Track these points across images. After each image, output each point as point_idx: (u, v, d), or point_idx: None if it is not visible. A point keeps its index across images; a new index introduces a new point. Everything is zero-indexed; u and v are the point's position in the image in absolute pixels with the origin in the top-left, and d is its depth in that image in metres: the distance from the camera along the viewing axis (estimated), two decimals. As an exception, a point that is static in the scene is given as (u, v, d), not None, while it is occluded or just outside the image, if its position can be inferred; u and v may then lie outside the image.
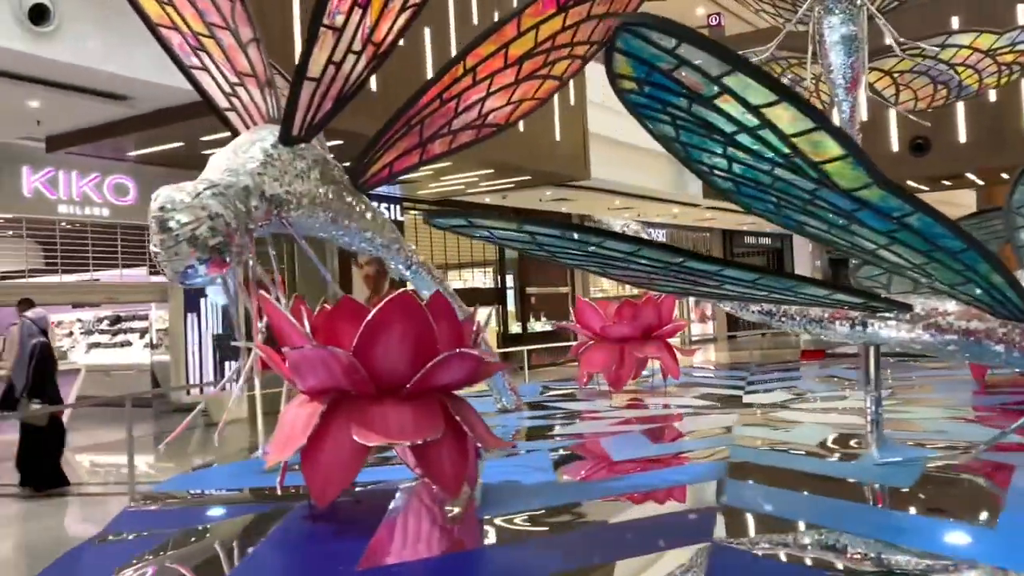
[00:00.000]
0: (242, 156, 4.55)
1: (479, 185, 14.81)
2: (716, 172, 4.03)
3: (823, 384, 8.04)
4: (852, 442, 5.13)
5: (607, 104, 15.49)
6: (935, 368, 8.44)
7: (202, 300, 12.82)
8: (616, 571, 3.09)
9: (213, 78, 5.08)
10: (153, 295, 12.91)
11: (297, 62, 4.72)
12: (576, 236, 4.17)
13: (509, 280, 19.61)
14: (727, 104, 3.45)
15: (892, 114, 15.96)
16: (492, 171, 13.57)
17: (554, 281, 20.21)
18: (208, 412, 12.44)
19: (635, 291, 24.00)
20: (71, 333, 16.69)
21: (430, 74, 10.82)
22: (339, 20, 4.57)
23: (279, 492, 4.03)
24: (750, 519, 3.64)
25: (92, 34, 8.07)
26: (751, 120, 3.53)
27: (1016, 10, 14.33)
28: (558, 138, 13.87)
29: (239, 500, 4.59)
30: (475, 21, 12.23)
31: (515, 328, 19.45)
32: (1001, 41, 8.42)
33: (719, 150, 3.85)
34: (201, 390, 12.61)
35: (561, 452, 5.31)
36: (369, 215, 5.61)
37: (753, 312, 6.40)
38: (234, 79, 5.13)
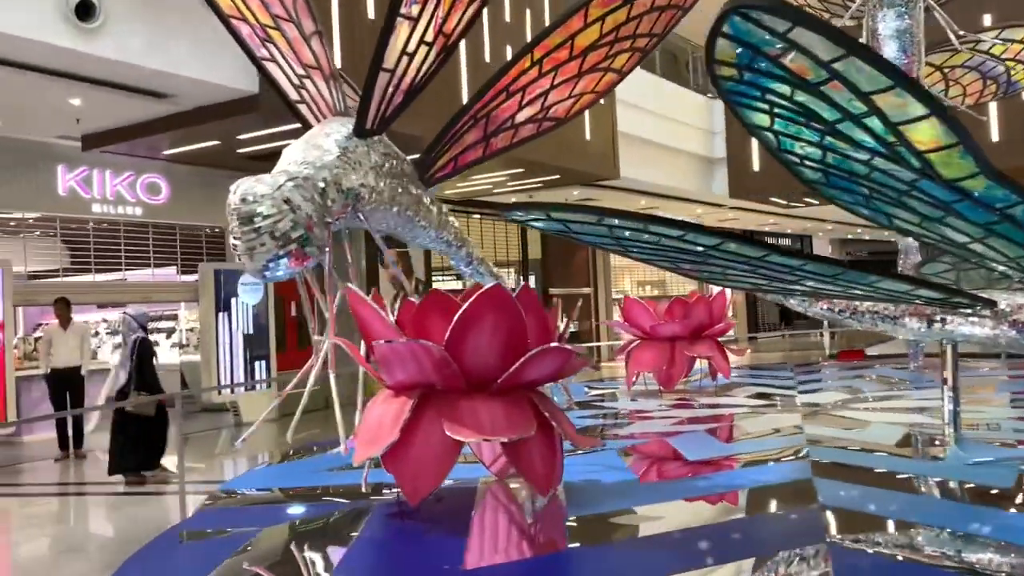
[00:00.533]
0: (318, 149, 4.47)
1: (507, 184, 14.73)
2: (807, 162, 3.93)
3: (874, 384, 7.93)
4: (932, 441, 5.03)
5: (636, 103, 15.44)
6: (993, 368, 8.33)
7: (233, 300, 12.77)
8: (731, 572, 3.00)
9: (282, 70, 5.01)
10: (184, 295, 12.86)
11: (373, 52, 4.64)
12: (657, 229, 4.07)
13: (532, 281, 19.53)
14: (835, 91, 3.35)
15: None
16: (522, 170, 13.50)
17: (577, 282, 20.12)
18: (239, 411, 12.39)
19: (656, 291, 23.87)
20: (97, 333, 16.67)
21: (464, 72, 10.77)
22: (415, 9, 4.49)
23: (364, 489, 3.95)
24: (856, 519, 3.53)
25: (136, 31, 8.01)
26: (858, 107, 3.42)
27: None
28: (588, 137, 13.80)
29: (314, 497, 4.49)
30: (507, 18, 12.15)
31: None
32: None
33: (815, 139, 3.75)
34: (232, 390, 12.56)
35: (631, 451, 5.22)
36: (435, 210, 5.53)
37: (822, 309, 6.30)
38: (301, 71, 5.06)
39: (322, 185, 4.27)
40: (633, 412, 6.99)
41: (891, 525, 3.45)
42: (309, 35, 5.22)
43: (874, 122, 3.39)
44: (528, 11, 12.62)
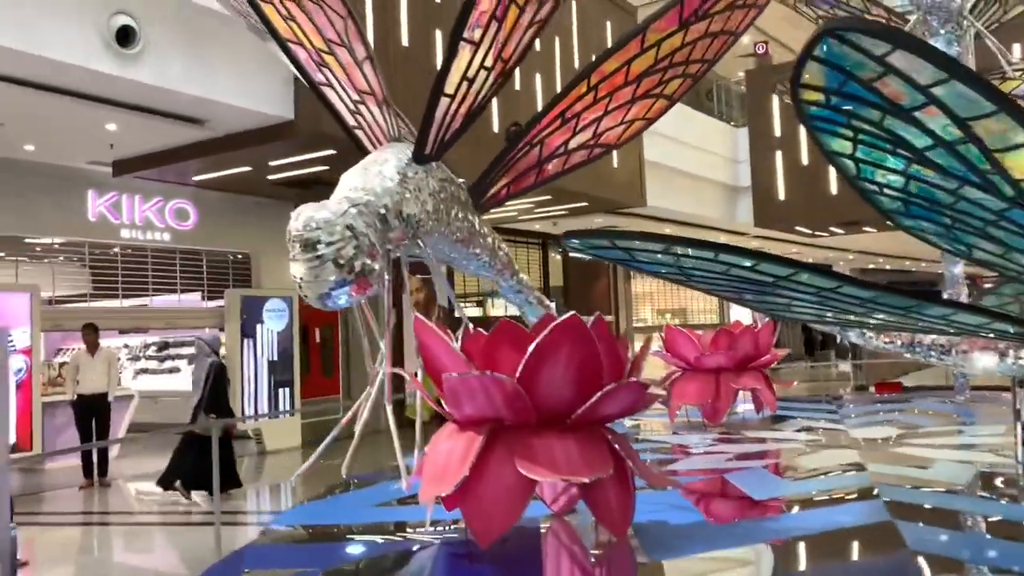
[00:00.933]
0: (377, 175, 4.36)
1: (533, 212, 14.63)
2: (886, 191, 3.79)
3: (925, 418, 7.72)
4: (1008, 481, 4.83)
5: (662, 131, 15.36)
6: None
7: (259, 327, 12.66)
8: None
9: (338, 95, 4.92)
10: (210, 321, 12.76)
11: (435, 77, 4.54)
12: (727, 258, 3.93)
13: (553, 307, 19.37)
14: (929, 116, 3.21)
15: None
16: (549, 197, 13.39)
17: (599, 309, 19.93)
18: (262, 439, 12.22)
19: (677, 319, 23.65)
20: (118, 359, 16.58)
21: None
22: (477, 34, 4.40)
23: (428, 527, 3.78)
24: (952, 567, 3.35)
25: (174, 57, 7.98)
26: (953, 133, 3.27)
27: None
28: (615, 164, 13.70)
29: (374, 535, 4.30)
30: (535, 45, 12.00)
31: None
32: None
33: (900, 166, 3.60)
34: (255, 417, 12.40)
35: (693, 489, 5.02)
36: (489, 238, 5.41)
37: (883, 342, 6.11)
38: (356, 97, 4.96)
39: (383, 212, 4.16)
40: (678, 447, 6.80)
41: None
42: (361, 60, 5.13)
43: (969, 149, 3.25)
44: (557, 38, 12.58)
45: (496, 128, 11.30)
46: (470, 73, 4.53)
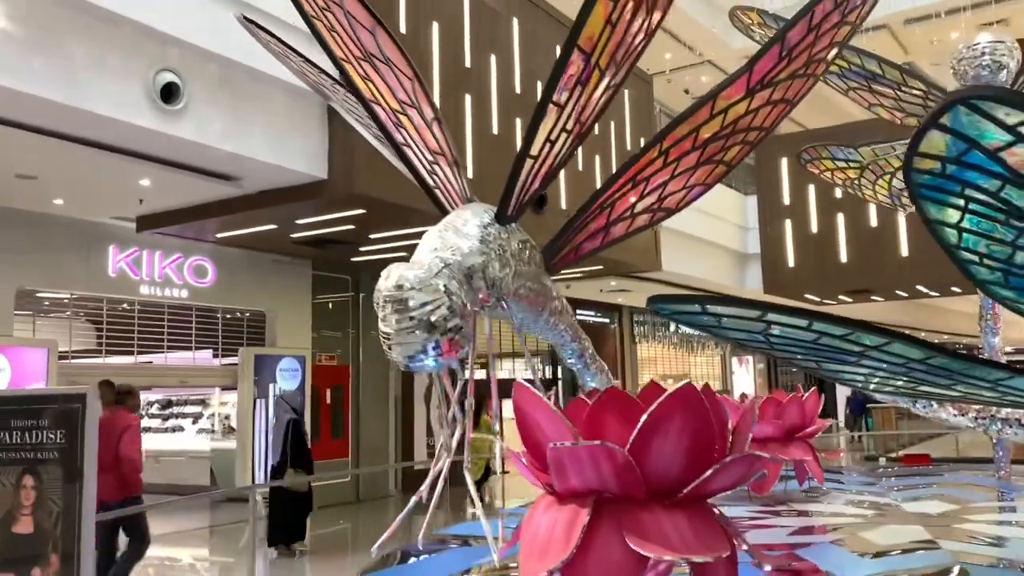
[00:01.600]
0: (461, 236, 4.28)
1: (550, 275, 14.59)
2: (987, 260, 3.73)
3: (968, 491, 7.56)
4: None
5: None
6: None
7: (271, 386, 12.46)
8: None
9: (416, 155, 4.87)
10: (223, 379, 12.55)
11: (524, 138, 4.51)
12: (821, 327, 3.85)
13: (559, 371, 19.25)
14: (1054, 186, 3.18)
15: (902, 219, 15.89)
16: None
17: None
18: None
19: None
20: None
21: (468, 143, 10.58)
22: (564, 96, 4.38)
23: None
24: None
25: (215, 114, 7.97)
26: (1078, 203, 3.24)
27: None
28: (633, 229, 13.74)
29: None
30: (518, 90, 11.82)
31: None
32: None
33: (1009, 236, 3.56)
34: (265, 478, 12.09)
35: (769, 565, 4.82)
36: (558, 302, 5.32)
37: (951, 415, 6.01)
38: (430, 157, 4.92)
39: (472, 272, 4.07)
40: (737, 519, 6.57)
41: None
42: (430, 121, 5.10)
43: (1093, 219, 3.21)
44: (539, 83, 12.62)
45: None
46: (552, 135, 4.50)
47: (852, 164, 10.03)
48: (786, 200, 17.73)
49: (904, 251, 16.39)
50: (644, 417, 3.32)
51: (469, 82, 10.56)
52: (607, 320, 19.82)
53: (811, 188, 17.25)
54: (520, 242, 4.71)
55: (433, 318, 3.73)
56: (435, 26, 10.08)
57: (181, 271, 11.29)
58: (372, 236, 11.16)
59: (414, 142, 4.85)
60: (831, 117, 18.50)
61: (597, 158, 12.91)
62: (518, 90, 11.43)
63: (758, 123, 5.85)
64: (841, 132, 14.14)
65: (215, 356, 12.68)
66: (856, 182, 10.15)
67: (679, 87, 19.41)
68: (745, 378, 24.68)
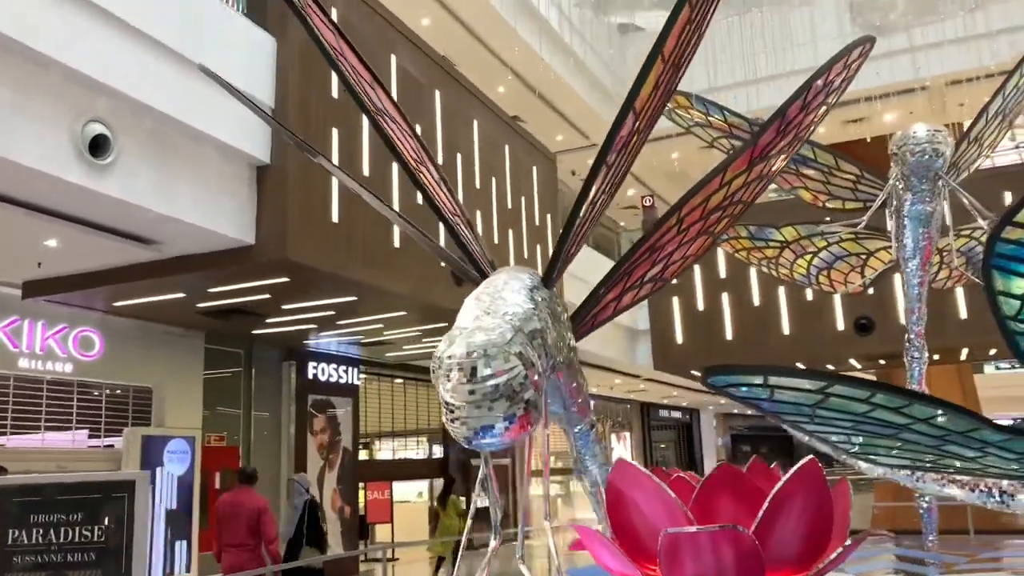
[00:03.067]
0: (509, 299, 3.96)
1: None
2: None
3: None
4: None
5: (576, 273, 15.62)
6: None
7: (158, 470, 11.33)
8: None
9: (444, 212, 4.54)
10: (105, 463, 11.30)
11: (576, 197, 4.30)
12: (881, 398, 3.82)
13: (453, 450, 18.69)
14: None
15: (783, 299, 16.86)
16: (480, 336, 13.09)
17: (495, 453, 19.42)
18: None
19: (562, 463, 23.40)
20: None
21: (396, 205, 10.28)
22: (612, 158, 4.23)
23: None
24: None
25: (142, 171, 7.32)
26: None
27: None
28: (542, 304, 13.68)
29: None
30: (440, 159, 11.76)
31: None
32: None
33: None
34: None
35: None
36: (581, 371, 5.05)
37: (956, 490, 6.09)
38: (451, 216, 4.61)
39: (538, 340, 3.76)
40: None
41: None
42: (438, 180, 4.82)
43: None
44: (493, 180, 12.65)
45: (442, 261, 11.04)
46: (596, 198, 4.33)
47: (772, 244, 10.41)
48: (673, 279, 18.30)
49: (786, 329, 17.15)
50: (770, 496, 3.11)
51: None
52: (497, 396, 19.56)
53: (696, 267, 17.89)
54: (562, 308, 4.46)
55: (511, 389, 3.39)
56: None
57: (66, 343, 10.21)
58: (285, 307, 10.53)
59: (438, 199, 4.54)
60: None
61: (510, 231, 12.85)
62: (440, 159, 11.26)
63: (747, 197, 5.92)
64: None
65: (99, 437, 11.45)
66: (773, 261, 10.52)
67: (567, 167, 19.86)
68: (624, 454, 24.93)
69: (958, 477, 5.91)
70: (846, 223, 8.66)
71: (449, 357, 3.54)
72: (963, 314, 15.48)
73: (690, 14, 4.05)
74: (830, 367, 18.26)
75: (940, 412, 3.99)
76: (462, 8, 14.49)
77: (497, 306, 3.94)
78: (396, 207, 10.03)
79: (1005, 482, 5.64)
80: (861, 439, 4.63)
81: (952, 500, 5.39)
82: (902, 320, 16.89)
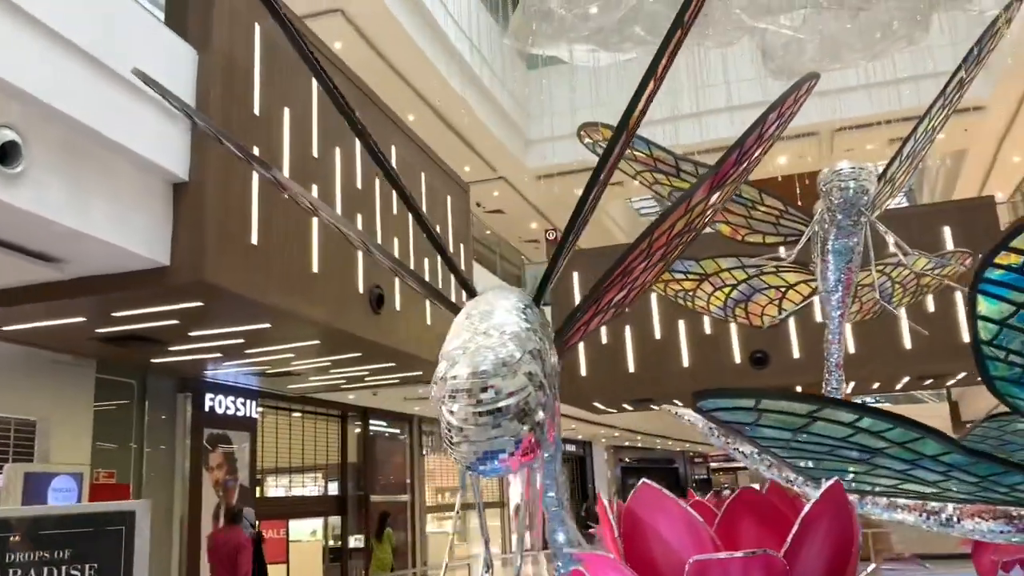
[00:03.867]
0: (508, 318, 3.77)
1: (365, 380, 13.84)
2: (1012, 356, 3.95)
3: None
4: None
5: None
6: None
7: (42, 511, 10.42)
8: None
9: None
10: (-19, 504, 10.29)
11: (570, 220, 4.17)
12: (869, 423, 3.90)
13: (349, 488, 18.09)
14: None
15: (734, 328, 17.34)
16: (393, 364, 12.77)
17: (394, 489, 18.97)
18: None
19: (451, 498, 23.17)
20: None
21: (314, 235, 9.92)
22: (603, 176, 4.15)
23: None
24: None
25: (53, 182, 6.77)
26: None
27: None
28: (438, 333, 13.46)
29: None
30: (359, 184, 11.37)
31: (354, 542, 17.75)
32: (927, 264, 9.45)
33: None
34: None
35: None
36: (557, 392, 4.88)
37: (904, 515, 6.22)
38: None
39: (539, 360, 3.59)
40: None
41: None
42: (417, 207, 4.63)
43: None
44: (377, 179, 12.31)
45: (361, 288, 10.74)
46: (576, 226, 4.24)
47: (691, 276, 10.60)
48: (629, 307, 18.42)
49: (685, 362, 17.51)
50: (799, 520, 3.05)
51: (316, 172, 9.98)
52: (398, 431, 19.11)
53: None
54: (551, 328, 4.31)
55: (523, 410, 3.21)
56: (286, 112, 9.48)
57: (-59, 371, 9.27)
58: (192, 333, 9.94)
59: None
60: (605, 236, 19.75)
61: (426, 260, 12.64)
62: (359, 185, 10.99)
63: (700, 225, 5.98)
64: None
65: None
66: (691, 293, 10.70)
67: (472, 198, 19.86)
68: (519, 489, 24.83)
69: (904, 501, 6.05)
70: (771, 256, 8.87)
71: (454, 377, 3.32)
72: (852, 348, 16.18)
73: (681, 36, 4.04)
74: (676, 402, 18.78)
75: (920, 435, 4.04)
76: (376, 36, 14.33)
77: (493, 325, 3.75)
78: (315, 220, 9.65)
79: (951, 506, 5.80)
80: (838, 465, 4.64)
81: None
82: (795, 354, 17.52)
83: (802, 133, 16.08)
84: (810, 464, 4.72)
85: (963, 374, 16.54)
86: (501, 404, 3.16)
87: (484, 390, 3.18)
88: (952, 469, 4.50)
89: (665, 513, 3.14)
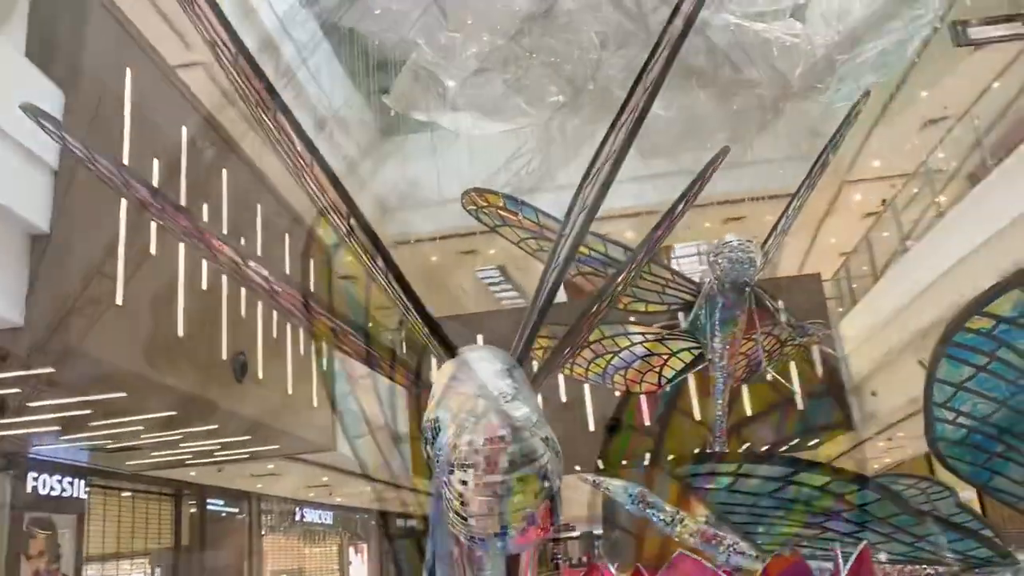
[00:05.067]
0: (498, 383, 3.52)
1: (214, 455, 12.82)
2: (960, 419, 4.19)
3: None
4: None
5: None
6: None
7: None
8: None
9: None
10: None
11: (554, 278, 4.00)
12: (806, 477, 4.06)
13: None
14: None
15: (588, 395, 17.54)
16: (248, 438, 11.92)
17: (235, 567, 17.63)
18: None
19: (299, 568, 21.68)
20: None
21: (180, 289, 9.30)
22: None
23: None
24: None
25: None
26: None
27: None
28: (315, 404, 12.83)
29: None
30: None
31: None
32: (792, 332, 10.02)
33: (1003, 395, 4.09)
34: None
35: None
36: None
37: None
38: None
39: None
40: None
41: None
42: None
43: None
44: (242, 239, 11.70)
45: (224, 354, 10.02)
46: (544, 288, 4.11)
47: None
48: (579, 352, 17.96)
49: (591, 426, 17.18)
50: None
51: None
52: (236, 510, 17.80)
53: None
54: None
55: (551, 474, 2.95)
56: (155, 162, 8.84)
57: None
58: (32, 404, 8.86)
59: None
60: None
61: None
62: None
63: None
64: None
65: None
66: (570, 360, 10.76)
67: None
68: (361, 568, 23.68)
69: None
70: (663, 324, 9.09)
71: (469, 443, 3.02)
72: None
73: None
74: (577, 468, 18.87)
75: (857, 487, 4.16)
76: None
77: (489, 387, 3.50)
78: (181, 281, 8.95)
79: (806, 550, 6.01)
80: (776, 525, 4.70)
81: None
82: (647, 421, 17.79)
83: (642, 212, 16.79)
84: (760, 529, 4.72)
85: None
86: (527, 471, 2.88)
87: (512, 455, 2.89)
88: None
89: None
